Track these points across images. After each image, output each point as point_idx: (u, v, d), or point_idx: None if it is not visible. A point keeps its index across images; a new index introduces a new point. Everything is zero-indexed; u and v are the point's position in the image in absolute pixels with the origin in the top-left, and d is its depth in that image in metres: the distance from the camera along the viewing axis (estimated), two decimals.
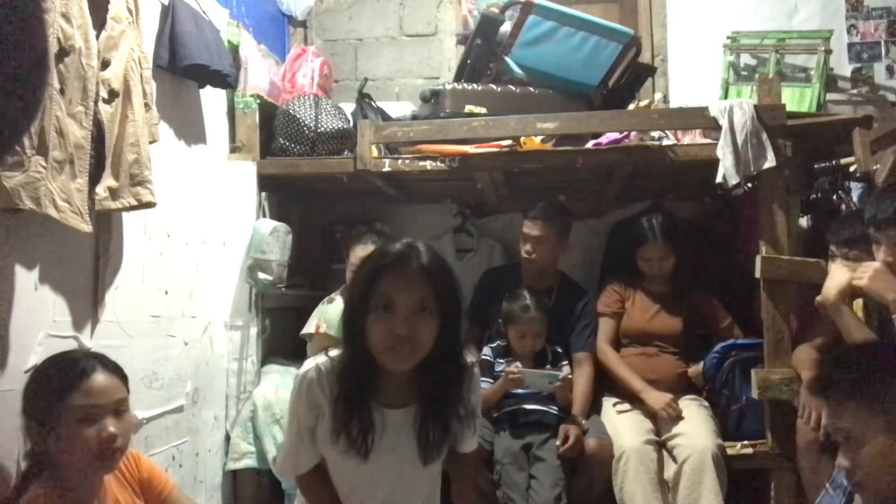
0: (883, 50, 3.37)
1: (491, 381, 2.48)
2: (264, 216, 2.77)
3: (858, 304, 2.18)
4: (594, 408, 2.62)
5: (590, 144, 2.67)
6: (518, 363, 2.47)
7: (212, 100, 2.55)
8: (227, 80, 2.42)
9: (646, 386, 2.53)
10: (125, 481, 1.61)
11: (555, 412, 2.46)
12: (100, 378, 1.46)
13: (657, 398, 2.48)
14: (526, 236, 2.69)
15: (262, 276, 2.60)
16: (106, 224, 1.87)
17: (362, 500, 1.51)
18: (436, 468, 1.56)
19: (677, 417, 2.43)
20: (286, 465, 1.54)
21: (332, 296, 2.63)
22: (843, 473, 1.33)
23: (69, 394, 1.42)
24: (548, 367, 2.52)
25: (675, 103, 3.32)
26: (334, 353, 1.49)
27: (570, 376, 2.51)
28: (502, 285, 2.74)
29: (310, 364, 1.50)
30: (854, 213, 2.32)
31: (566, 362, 2.60)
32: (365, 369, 1.43)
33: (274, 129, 2.80)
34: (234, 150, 2.72)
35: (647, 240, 2.65)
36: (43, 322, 1.66)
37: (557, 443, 2.36)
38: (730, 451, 2.40)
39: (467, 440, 1.60)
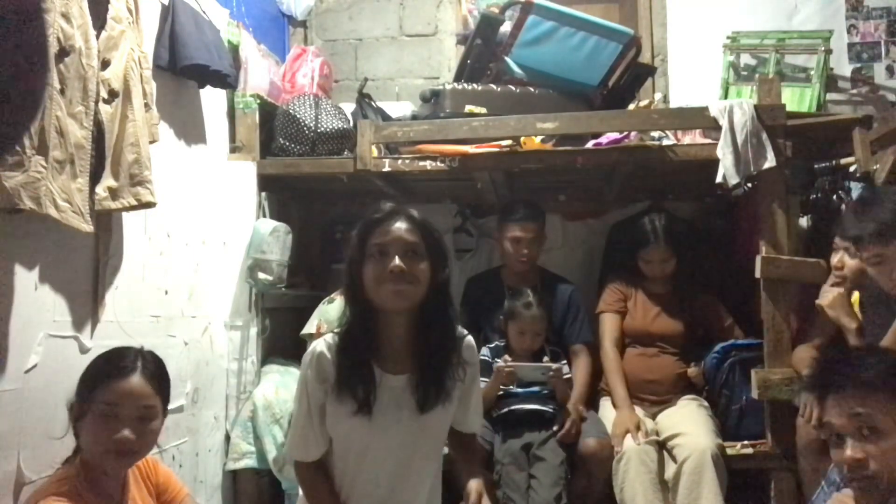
0: (883, 50, 3.37)
1: (488, 381, 2.49)
2: (264, 216, 2.77)
3: (854, 297, 2.19)
4: (594, 407, 2.63)
5: (590, 144, 2.67)
6: (507, 357, 2.48)
7: (212, 100, 2.55)
8: (227, 80, 2.42)
9: (624, 402, 2.51)
10: (143, 482, 1.63)
11: (555, 412, 2.46)
12: (132, 381, 1.49)
13: (621, 419, 2.45)
14: (519, 239, 2.69)
15: (262, 276, 2.60)
16: (106, 224, 1.87)
17: (371, 471, 1.55)
18: (439, 433, 1.61)
19: (634, 434, 2.40)
20: (295, 447, 1.59)
21: (332, 296, 2.63)
22: (837, 470, 1.32)
23: (99, 387, 1.47)
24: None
25: (675, 103, 3.32)
26: (339, 329, 1.59)
27: (564, 366, 2.52)
28: (487, 290, 2.77)
29: (318, 342, 1.58)
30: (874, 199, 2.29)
31: (565, 361, 2.60)
32: (367, 329, 1.54)
33: (274, 129, 2.79)
34: (234, 150, 2.72)
35: (650, 242, 2.64)
36: (43, 322, 1.66)
37: (555, 427, 2.38)
38: (730, 451, 2.40)
39: (468, 418, 1.67)
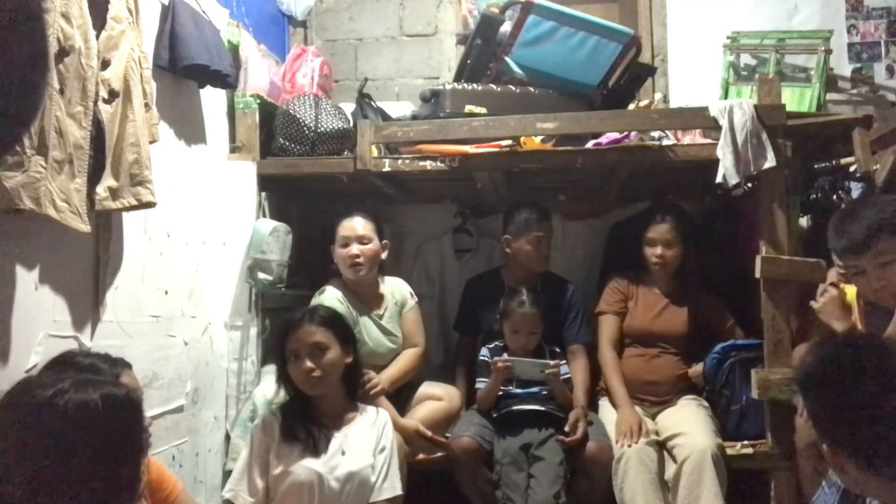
0: (883, 50, 3.37)
1: (489, 381, 2.49)
2: (264, 216, 2.77)
3: (852, 291, 2.19)
4: (593, 407, 2.63)
5: (590, 144, 2.67)
6: (505, 353, 2.47)
7: (212, 100, 2.55)
8: (227, 80, 2.42)
9: (625, 403, 2.51)
10: None
11: (554, 412, 2.46)
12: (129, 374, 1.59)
13: (624, 418, 2.45)
14: (542, 239, 2.70)
15: (262, 276, 2.60)
16: (106, 224, 1.87)
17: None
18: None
19: (637, 434, 2.40)
20: (240, 483, 1.97)
21: (323, 287, 2.63)
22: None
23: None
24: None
25: (675, 103, 3.32)
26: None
27: (564, 365, 2.52)
28: (487, 291, 2.77)
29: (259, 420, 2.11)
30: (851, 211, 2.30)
31: (564, 362, 2.60)
32: (300, 401, 2.04)
33: (274, 129, 2.79)
34: (234, 150, 2.71)
35: (655, 221, 2.64)
36: (43, 322, 1.66)
37: (566, 429, 2.38)
38: (730, 451, 2.41)
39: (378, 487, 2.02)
